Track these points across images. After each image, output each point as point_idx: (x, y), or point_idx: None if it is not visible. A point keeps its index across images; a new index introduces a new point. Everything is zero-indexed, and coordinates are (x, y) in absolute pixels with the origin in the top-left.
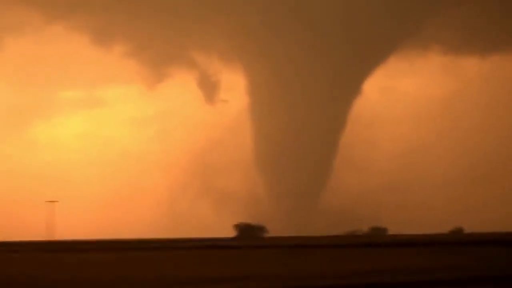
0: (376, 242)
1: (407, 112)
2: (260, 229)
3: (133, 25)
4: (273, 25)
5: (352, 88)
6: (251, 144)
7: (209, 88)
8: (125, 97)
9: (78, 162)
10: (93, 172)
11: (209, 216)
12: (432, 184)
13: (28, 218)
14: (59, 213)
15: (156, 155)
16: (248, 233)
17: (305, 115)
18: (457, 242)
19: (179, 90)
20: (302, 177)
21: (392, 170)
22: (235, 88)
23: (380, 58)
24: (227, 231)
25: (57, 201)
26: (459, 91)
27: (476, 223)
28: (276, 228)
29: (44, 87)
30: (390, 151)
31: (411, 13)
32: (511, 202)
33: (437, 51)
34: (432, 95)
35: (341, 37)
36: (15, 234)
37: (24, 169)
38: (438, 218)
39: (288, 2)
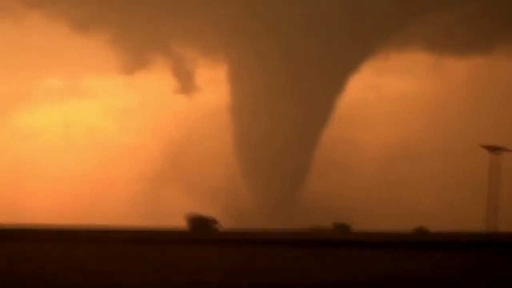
0: (334, 239)
1: (391, 110)
2: (212, 221)
3: (114, 14)
4: (257, 19)
5: (336, 85)
6: (231, 136)
7: (188, 79)
8: (105, 87)
9: (58, 150)
10: (73, 160)
11: (186, 206)
12: (415, 183)
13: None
14: (38, 198)
15: (134, 144)
16: (200, 225)
17: (287, 109)
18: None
19: (160, 81)
20: (282, 172)
21: (373, 169)
22: (216, 80)
23: (365, 56)
24: None
25: None
26: (444, 91)
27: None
28: (253, 221)
29: (25, 76)
30: (372, 149)
31: (398, 11)
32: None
33: (422, 50)
34: (417, 94)
35: (327, 33)
36: None
37: (7, 156)
38: (414, 217)
39: None
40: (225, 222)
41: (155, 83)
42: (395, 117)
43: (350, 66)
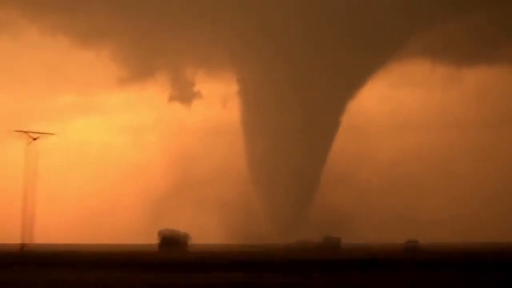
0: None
1: (403, 122)
2: (184, 237)
3: (116, 26)
4: (266, 34)
5: (347, 97)
6: (242, 152)
7: (195, 94)
8: (111, 103)
9: (70, 167)
10: (84, 177)
11: (196, 223)
12: (426, 196)
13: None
14: (49, 218)
15: (145, 161)
16: (170, 240)
17: (297, 123)
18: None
19: (166, 97)
20: (293, 187)
21: (381, 181)
22: (226, 95)
23: (379, 66)
24: (219, 238)
25: None
26: (459, 102)
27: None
28: (264, 237)
29: (33, 92)
30: (381, 161)
31: (404, 23)
32: None
33: (437, 62)
34: (431, 106)
35: (339, 39)
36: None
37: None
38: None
39: (283, 6)
40: (236, 238)
41: (163, 99)
42: (407, 129)
43: (360, 78)
